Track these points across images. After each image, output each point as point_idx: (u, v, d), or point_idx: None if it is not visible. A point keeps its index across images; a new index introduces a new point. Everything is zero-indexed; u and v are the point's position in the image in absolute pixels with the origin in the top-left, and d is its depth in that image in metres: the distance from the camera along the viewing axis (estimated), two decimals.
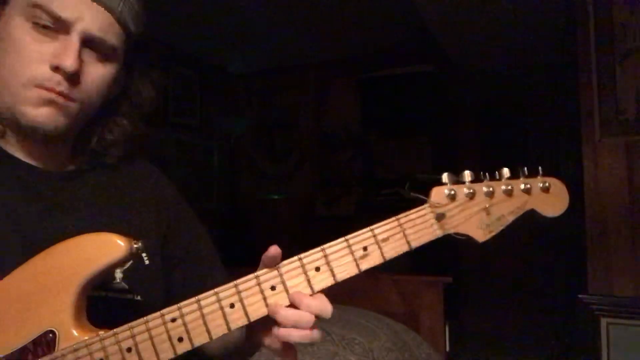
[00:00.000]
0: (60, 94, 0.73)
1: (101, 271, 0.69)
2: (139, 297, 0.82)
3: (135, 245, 0.70)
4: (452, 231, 0.73)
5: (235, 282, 0.69)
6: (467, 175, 0.74)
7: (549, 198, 0.75)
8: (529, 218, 0.73)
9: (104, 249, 0.69)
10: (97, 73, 0.77)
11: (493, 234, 0.73)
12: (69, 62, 0.72)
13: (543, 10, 3.16)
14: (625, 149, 2.24)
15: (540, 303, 3.90)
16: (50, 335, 0.68)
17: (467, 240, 0.73)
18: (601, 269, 2.22)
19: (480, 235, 0.73)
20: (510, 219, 0.74)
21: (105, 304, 0.78)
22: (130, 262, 0.80)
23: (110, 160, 0.87)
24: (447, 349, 2.63)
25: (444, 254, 4.38)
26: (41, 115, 0.73)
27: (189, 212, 0.98)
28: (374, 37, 4.00)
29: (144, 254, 0.83)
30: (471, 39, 3.70)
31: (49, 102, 0.73)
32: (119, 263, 0.71)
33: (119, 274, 0.80)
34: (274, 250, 0.69)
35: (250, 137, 4.92)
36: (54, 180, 0.80)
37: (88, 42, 0.75)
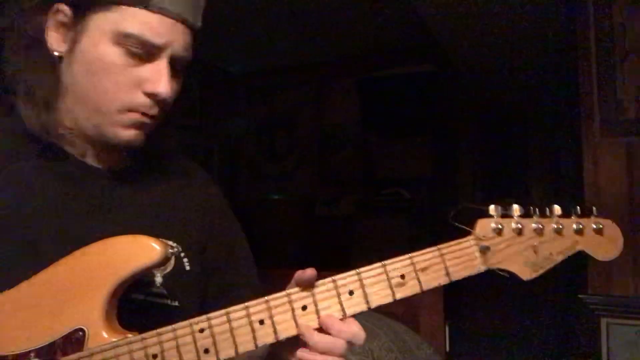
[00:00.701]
0: (151, 117, 0.76)
1: (135, 274, 0.69)
2: (176, 303, 0.81)
3: (171, 250, 0.70)
4: (495, 267, 0.70)
5: (266, 297, 0.68)
6: (516, 209, 0.70)
7: (602, 241, 0.72)
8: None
9: (140, 251, 0.69)
10: (176, 88, 0.79)
11: (539, 273, 0.70)
12: (165, 90, 0.74)
13: (543, 10, 3.16)
14: (625, 149, 2.24)
15: (540, 303, 3.90)
16: (80, 333, 0.68)
17: (510, 277, 0.70)
18: (601, 269, 2.22)
19: (526, 273, 0.70)
20: (559, 259, 0.70)
21: (143, 307, 0.77)
22: (171, 266, 0.80)
23: (161, 152, 0.88)
24: (447, 349, 2.63)
25: None
26: (130, 135, 0.76)
27: (232, 221, 0.97)
28: (374, 37, 4.00)
29: (185, 260, 0.83)
30: (471, 39, 3.70)
31: (140, 125, 0.76)
32: (154, 267, 0.71)
33: (159, 278, 0.79)
34: (311, 272, 0.68)
35: (250, 137, 4.92)
36: (103, 178, 0.81)
37: (172, 62, 0.76)
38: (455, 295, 3.44)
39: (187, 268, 0.83)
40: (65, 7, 0.74)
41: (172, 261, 0.80)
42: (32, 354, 0.67)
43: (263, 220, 4.69)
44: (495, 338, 3.86)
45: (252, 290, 0.87)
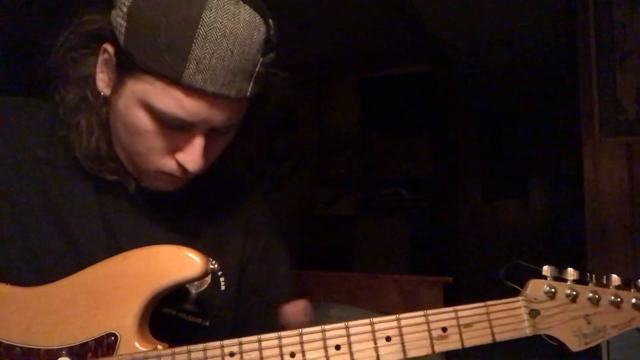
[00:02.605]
0: (185, 176, 0.74)
1: (173, 285, 0.69)
2: (207, 323, 0.80)
3: (211, 266, 0.69)
4: (543, 332, 0.67)
5: (300, 330, 0.66)
6: (571, 273, 0.66)
7: None
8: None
9: (181, 264, 0.69)
10: (219, 145, 0.75)
11: (589, 345, 0.66)
12: (194, 167, 0.70)
13: (543, 10, 3.16)
14: (625, 149, 2.24)
15: None
16: (112, 338, 0.68)
17: (559, 346, 0.67)
18: (601, 269, 2.22)
19: (575, 343, 0.66)
20: (612, 333, 0.66)
21: (173, 323, 0.77)
22: (207, 284, 0.79)
23: (220, 170, 0.84)
24: None
25: (444, 254, 4.38)
26: (165, 186, 0.75)
27: (276, 243, 0.93)
28: (374, 37, 4.00)
29: (222, 279, 0.82)
30: (470, 39, 3.70)
31: (174, 180, 0.74)
32: (193, 280, 0.70)
33: (193, 295, 0.78)
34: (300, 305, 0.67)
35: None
36: (149, 189, 0.79)
37: (212, 130, 0.71)
38: (456, 294, 3.44)
39: (222, 288, 0.82)
40: (110, 49, 0.69)
41: (209, 278, 0.79)
42: (64, 352, 0.67)
43: None
44: None
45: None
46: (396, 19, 3.63)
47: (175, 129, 0.68)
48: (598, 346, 2.05)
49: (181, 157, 0.70)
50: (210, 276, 0.79)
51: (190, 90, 0.64)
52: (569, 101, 3.02)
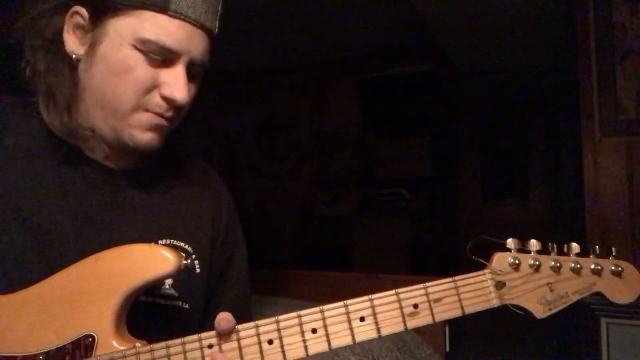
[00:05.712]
0: (167, 119, 0.77)
1: (147, 284, 0.70)
2: (187, 305, 0.81)
3: (184, 262, 0.70)
4: (510, 302, 0.69)
5: (277, 317, 0.68)
6: (534, 244, 0.69)
7: (619, 283, 0.70)
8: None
9: (154, 262, 0.70)
10: (192, 92, 0.79)
11: (553, 312, 0.69)
12: (182, 95, 0.74)
13: (543, 10, 3.16)
14: (625, 149, 2.24)
15: None
16: (90, 339, 0.68)
17: (525, 315, 0.69)
18: None
19: (540, 311, 0.69)
20: (574, 298, 0.69)
21: (152, 310, 0.77)
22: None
23: (178, 154, 0.88)
24: (447, 349, 2.63)
25: (444, 254, 4.38)
26: (147, 138, 0.77)
27: (237, 231, 0.97)
28: (374, 37, 4.00)
29: (196, 262, 0.84)
30: (471, 39, 3.70)
31: (156, 127, 0.76)
32: (166, 278, 0.72)
33: (168, 280, 0.79)
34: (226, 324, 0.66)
35: (250, 137, 4.92)
36: (118, 178, 0.80)
37: (189, 66, 0.76)
38: None
39: (198, 271, 0.84)
40: (82, 10, 0.73)
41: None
42: (41, 357, 0.67)
43: (263, 220, 4.69)
44: (495, 338, 3.85)
45: (235, 305, 0.88)
46: (396, 19, 3.63)
47: (159, 64, 0.74)
48: (598, 345, 2.05)
49: (167, 89, 0.74)
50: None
51: (175, 16, 0.72)
52: (569, 101, 3.02)
